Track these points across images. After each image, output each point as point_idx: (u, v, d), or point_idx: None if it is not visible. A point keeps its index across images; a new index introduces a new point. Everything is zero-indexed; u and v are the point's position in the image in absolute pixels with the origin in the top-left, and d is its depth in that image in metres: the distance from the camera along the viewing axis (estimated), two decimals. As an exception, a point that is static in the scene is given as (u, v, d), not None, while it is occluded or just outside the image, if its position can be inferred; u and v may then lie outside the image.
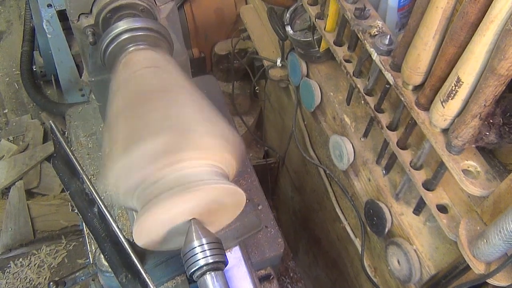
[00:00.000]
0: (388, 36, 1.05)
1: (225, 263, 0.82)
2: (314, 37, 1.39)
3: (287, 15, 1.44)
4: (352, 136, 1.34)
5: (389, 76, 1.04)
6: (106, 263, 1.02)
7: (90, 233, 1.11)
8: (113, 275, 0.94)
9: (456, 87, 0.84)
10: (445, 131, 0.94)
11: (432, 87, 0.93)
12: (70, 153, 0.95)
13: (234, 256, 1.10)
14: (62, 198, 2.41)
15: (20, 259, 2.30)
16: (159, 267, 0.99)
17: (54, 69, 2.31)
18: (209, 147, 0.82)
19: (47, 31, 2.06)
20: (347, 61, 1.26)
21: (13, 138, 2.63)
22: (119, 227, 0.87)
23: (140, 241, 0.82)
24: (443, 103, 0.88)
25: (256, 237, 1.29)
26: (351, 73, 1.23)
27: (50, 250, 2.33)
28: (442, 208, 1.03)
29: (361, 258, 1.44)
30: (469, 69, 0.81)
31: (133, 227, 0.81)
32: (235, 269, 1.09)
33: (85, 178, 0.92)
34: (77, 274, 1.05)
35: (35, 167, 2.47)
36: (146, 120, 0.84)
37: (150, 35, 1.01)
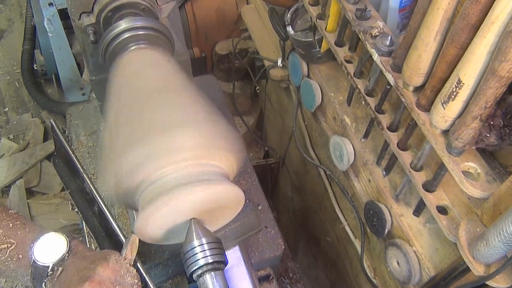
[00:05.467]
0: (389, 37, 1.05)
1: (225, 263, 0.82)
2: (315, 38, 1.39)
3: (288, 15, 1.44)
4: (352, 137, 1.34)
5: (389, 77, 1.04)
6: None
7: (90, 232, 1.11)
8: (112, 274, 0.94)
9: (457, 89, 0.84)
10: (445, 132, 0.94)
11: (433, 88, 0.93)
12: (71, 152, 0.95)
13: (234, 256, 1.10)
14: (62, 197, 2.40)
15: (20, 258, 2.29)
16: (159, 267, 0.99)
17: (55, 67, 2.30)
18: (210, 147, 0.82)
19: (48, 30, 2.06)
20: (348, 61, 1.26)
21: (13, 136, 2.62)
22: (119, 226, 0.87)
23: (140, 238, 0.83)
24: (444, 105, 0.88)
25: (256, 237, 1.29)
26: (352, 74, 1.23)
27: (49, 248, 2.32)
28: (442, 210, 1.03)
29: (360, 259, 1.44)
30: (470, 70, 0.81)
31: (133, 226, 0.81)
32: (234, 269, 1.09)
33: (85, 177, 0.92)
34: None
35: (35, 165, 2.46)
36: (146, 119, 0.84)
37: (151, 35, 1.01)
